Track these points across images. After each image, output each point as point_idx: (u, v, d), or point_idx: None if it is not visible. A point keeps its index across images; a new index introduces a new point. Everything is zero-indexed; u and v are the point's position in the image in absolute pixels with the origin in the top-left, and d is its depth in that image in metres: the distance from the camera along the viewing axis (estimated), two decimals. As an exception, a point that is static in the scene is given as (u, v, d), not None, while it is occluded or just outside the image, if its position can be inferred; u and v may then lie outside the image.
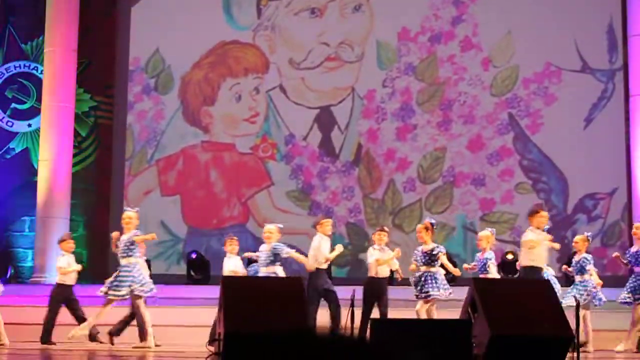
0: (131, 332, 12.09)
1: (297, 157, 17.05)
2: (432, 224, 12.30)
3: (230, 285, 8.94)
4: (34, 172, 16.77)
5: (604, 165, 16.25)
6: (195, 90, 17.44)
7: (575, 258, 12.52)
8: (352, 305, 9.65)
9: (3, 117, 17.44)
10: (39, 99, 16.91)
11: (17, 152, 17.42)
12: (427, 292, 11.83)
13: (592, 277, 12.25)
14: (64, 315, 12.52)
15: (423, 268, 12.00)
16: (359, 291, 10.85)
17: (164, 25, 17.44)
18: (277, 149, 17.13)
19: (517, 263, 12.31)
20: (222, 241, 16.70)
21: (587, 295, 12.10)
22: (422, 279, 11.92)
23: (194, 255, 16.11)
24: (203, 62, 17.45)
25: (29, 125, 17.43)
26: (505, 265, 14.92)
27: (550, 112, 16.56)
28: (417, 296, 11.95)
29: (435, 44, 16.99)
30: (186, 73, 17.45)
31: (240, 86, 17.32)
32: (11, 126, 17.47)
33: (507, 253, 15.40)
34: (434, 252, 12.01)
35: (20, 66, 17.66)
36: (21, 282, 16.38)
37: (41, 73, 16.99)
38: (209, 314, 11.71)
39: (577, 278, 12.37)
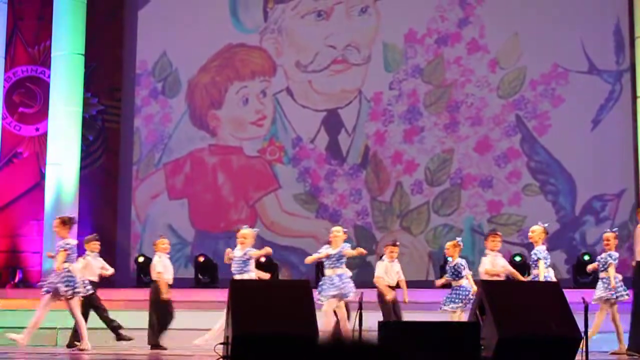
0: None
1: (305, 160, 17.05)
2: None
3: (238, 288, 8.95)
4: (42, 176, 16.80)
5: (612, 166, 16.23)
6: (203, 93, 17.46)
7: (450, 264, 12.12)
8: (360, 309, 9.63)
9: (11, 121, 17.48)
10: (46, 103, 16.94)
11: (24, 156, 17.45)
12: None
13: (469, 283, 11.96)
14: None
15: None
16: (367, 294, 10.83)
17: (171, 29, 17.46)
18: (284, 152, 17.13)
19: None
20: (229, 244, 16.77)
21: (462, 301, 11.80)
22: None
23: (201, 259, 16.12)
24: (210, 65, 17.47)
25: (37, 130, 17.46)
26: (514, 268, 14.89)
27: (558, 113, 16.54)
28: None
29: (442, 46, 16.98)
30: (193, 76, 17.47)
31: (247, 89, 17.34)
32: (19, 130, 17.51)
33: (515, 255, 15.39)
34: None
35: (27, 70, 17.70)
36: (29, 286, 16.39)
37: (48, 77, 17.01)
38: (217, 317, 11.71)
39: (453, 283, 12.06)
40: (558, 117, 16.52)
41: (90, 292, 12.14)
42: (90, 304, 12.43)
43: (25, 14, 17.70)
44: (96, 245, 12.90)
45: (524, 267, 14.91)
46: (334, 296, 11.49)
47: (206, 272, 15.99)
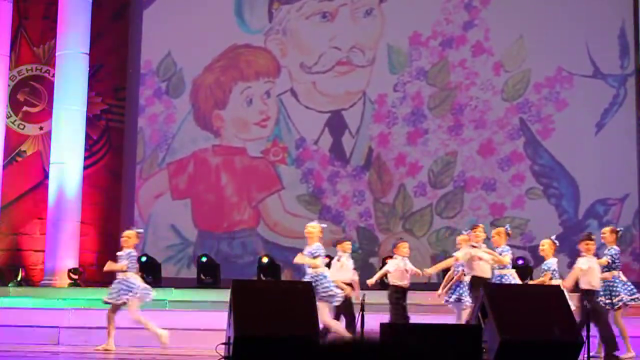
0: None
1: (308, 161, 17.05)
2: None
3: (240, 289, 8.95)
4: (45, 175, 16.81)
5: (616, 170, 16.20)
6: (207, 93, 17.46)
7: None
8: (362, 310, 9.64)
9: (15, 120, 17.49)
10: (50, 102, 16.95)
11: (28, 155, 17.46)
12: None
13: None
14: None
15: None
16: (369, 295, 10.81)
17: (175, 29, 17.46)
18: (287, 153, 17.13)
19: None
20: (232, 245, 16.81)
21: None
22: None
23: (204, 259, 16.12)
24: (214, 65, 17.47)
25: (41, 128, 17.48)
26: (517, 271, 14.86)
27: (562, 117, 16.53)
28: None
29: (447, 49, 16.97)
30: (198, 76, 17.47)
31: (252, 90, 17.34)
32: (23, 129, 17.52)
33: (517, 258, 15.36)
34: None
35: (32, 69, 17.72)
36: (32, 284, 16.40)
37: (53, 76, 17.03)
38: (219, 318, 11.71)
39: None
40: (562, 120, 16.50)
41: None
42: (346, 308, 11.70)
43: (31, 13, 17.72)
44: (348, 245, 12.19)
45: (526, 270, 14.91)
46: None
47: (208, 272, 15.98)
